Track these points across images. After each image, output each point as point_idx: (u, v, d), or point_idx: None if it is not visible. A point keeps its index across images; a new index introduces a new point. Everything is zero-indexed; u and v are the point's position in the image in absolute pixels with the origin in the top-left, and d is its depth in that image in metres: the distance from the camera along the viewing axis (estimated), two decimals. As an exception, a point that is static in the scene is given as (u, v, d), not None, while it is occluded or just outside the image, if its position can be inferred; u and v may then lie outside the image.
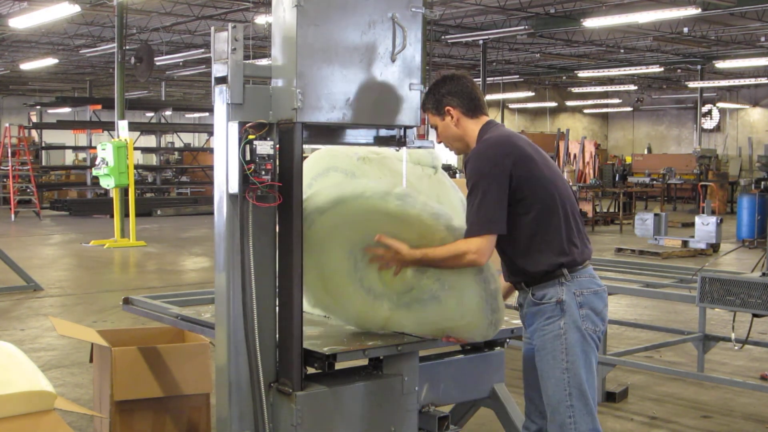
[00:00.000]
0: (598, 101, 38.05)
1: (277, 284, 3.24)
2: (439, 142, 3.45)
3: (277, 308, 3.24)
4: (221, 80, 3.17)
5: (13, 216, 21.21)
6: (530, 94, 35.35)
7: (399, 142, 3.43)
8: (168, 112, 29.42)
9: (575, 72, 30.16)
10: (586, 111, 40.28)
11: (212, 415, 4.32)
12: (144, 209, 21.79)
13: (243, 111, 3.16)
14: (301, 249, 3.19)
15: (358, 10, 3.21)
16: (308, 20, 3.09)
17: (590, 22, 18.30)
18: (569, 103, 38.80)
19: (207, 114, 34.68)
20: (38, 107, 28.82)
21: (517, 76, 32.63)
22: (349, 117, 3.23)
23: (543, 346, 3.20)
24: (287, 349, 3.17)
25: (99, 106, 25.43)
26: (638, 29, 21.29)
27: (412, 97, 3.36)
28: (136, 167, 23.81)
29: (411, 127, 3.41)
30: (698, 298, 5.55)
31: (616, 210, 20.27)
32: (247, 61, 3.19)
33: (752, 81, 30.52)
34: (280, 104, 3.17)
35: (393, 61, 3.30)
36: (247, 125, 3.10)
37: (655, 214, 14.75)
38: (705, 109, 32.68)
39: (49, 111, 30.89)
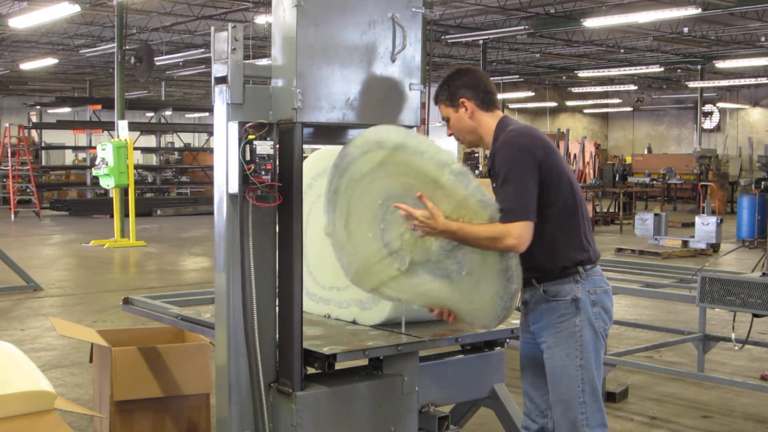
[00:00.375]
0: (598, 101, 38.05)
1: (277, 284, 3.24)
2: (450, 135, 3.41)
3: (277, 308, 3.24)
4: (221, 80, 3.17)
5: (13, 216, 21.21)
6: (530, 94, 35.35)
7: (399, 142, 3.42)
8: (168, 112, 29.42)
9: (575, 72, 30.16)
10: (586, 111, 40.27)
11: (212, 415, 4.32)
12: (144, 209, 21.79)
13: (243, 111, 3.16)
14: (301, 249, 3.19)
15: (358, 10, 3.21)
16: (308, 20, 3.09)
17: (590, 22, 18.30)
18: (569, 103, 38.79)
19: (207, 114, 34.69)
20: (38, 107, 28.83)
21: (517, 76, 32.62)
22: (349, 117, 3.23)
23: (556, 343, 3.18)
24: (287, 349, 3.17)
25: (99, 106, 25.43)
26: (638, 29, 21.29)
27: (412, 97, 3.37)
28: (136, 167, 23.82)
29: (411, 127, 3.41)
30: (698, 298, 5.55)
31: (616, 210, 20.28)
32: (247, 61, 3.19)
33: (752, 81, 30.52)
34: (280, 104, 3.17)
35: (393, 61, 3.30)
36: (247, 125, 3.10)
37: (655, 214, 14.76)
38: (705, 109, 32.67)
39: (49, 111, 30.90)
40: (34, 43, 24.95)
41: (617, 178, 21.33)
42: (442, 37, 22.36)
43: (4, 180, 23.34)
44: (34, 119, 28.45)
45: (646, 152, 32.63)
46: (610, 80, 32.51)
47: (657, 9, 16.92)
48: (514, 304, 3.16)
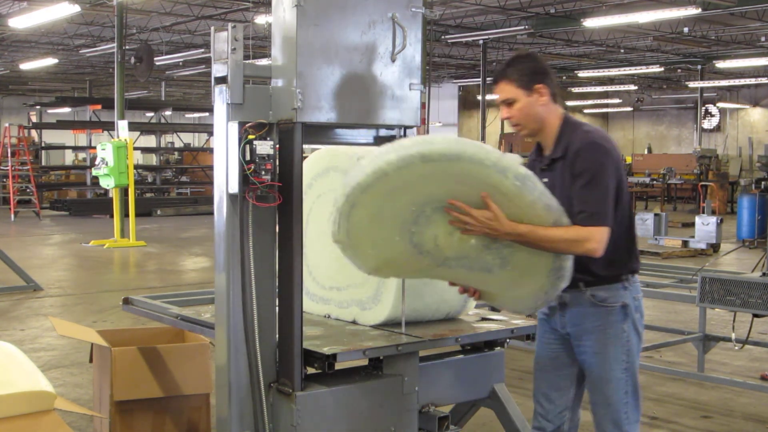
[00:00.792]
0: (598, 101, 38.05)
1: (277, 284, 3.24)
2: (507, 118, 3.21)
3: (277, 308, 3.24)
4: (221, 80, 3.17)
5: (12, 216, 21.21)
6: (530, 94, 35.30)
7: (399, 142, 3.41)
8: (168, 112, 29.43)
9: (575, 72, 30.16)
10: (586, 111, 40.27)
11: (212, 415, 4.32)
12: (144, 209, 21.79)
13: (243, 111, 3.16)
14: (301, 249, 3.19)
15: (358, 10, 3.21)
16: (308, 20, 3.09)
17: (590, 22, 18.30)
18: (569, 103, 38.75)
19: (207, 114, 34.68)
20: (38, 107, 28.84)
21: (517, 76, 32.56)
22: (349, 117, 3.24)
23: (603, 348, 3.21)
24: (287, 349, 3.17)
25: (99, 106, 25.44)
26: (638, 29, 21.28)
27: (412, 97, 3.36)
28: (136, 167, 23.81)
29: (411, 127, 3.41)
30: (698, 298, 5.55)
31: (617, 210, 20.24)
32: (247, 61, 3.19)
33: (752, 81, 30.51)
34: (280, 104, 3.17)
35: (393, 61, 3.30)
36: (247, 125, 3.10)
37: (655, 214, 14.76)
38: (705, 109, 32.68)
39: (49, 111, 30.90)
40: (34, 43, 24.95)
41: (617, 178, 21.25)
42: (442, 37, 22.36)
43: (4, 180, 23.34)
44: (34, 119, 28.46)
45: (646, 152, 32.63)
46: (610, 80, 32.51)
47: (657, 9, 16.92)
48: (551, 298, 3.16)
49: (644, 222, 14.52)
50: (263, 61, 7.40)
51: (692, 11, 16.81)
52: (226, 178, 3.14)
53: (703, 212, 15.22)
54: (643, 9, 17.12)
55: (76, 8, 15.93)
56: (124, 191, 15.33)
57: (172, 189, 27.02)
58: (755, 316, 5.53)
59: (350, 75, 3.21)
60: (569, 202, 3.04)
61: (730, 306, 5.44)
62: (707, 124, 34.30)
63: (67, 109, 31.41)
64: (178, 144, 28.97)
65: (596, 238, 2.97)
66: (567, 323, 3.28)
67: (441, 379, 3.64)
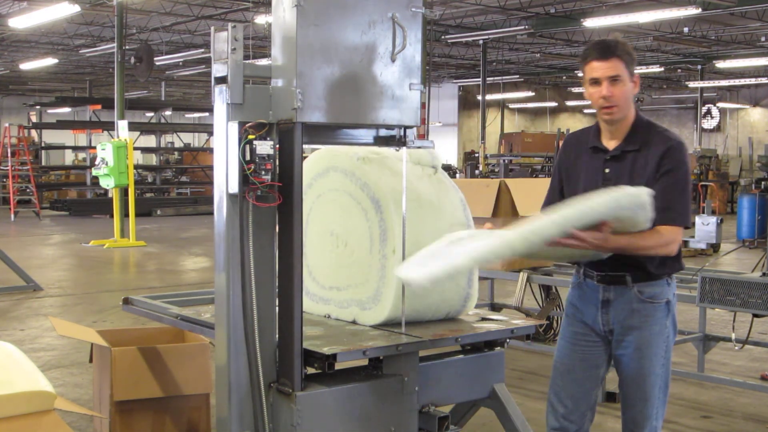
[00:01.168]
0: (598, 101, 37.98)
1: (277, 284, 3.24)
2: (607, 96, 3.17)
3: (277, 308, 3.24)
4: (221, 80, 3.17)
5: (12, 216, 21.21)
6: (530, 94, 35.36)
7: (399, 142, 3.42)
8: (168, 112, 29.43)
9: (575, 72, 30.15)
10: (586, 111, 40.25)
11: (212, 415, 4.32)
12: (144, 209, 21.80)
13: (243, 111, 3.15)
14: (301, 249, 3.19)
15: (358, 10, 3.21)
16: (308, 20, 3.09)
17: (590, 22, 18.30)
18: (569, 103, 38.79)
19: (207, 114, 34.70)
20: (38, 107, 28.86)
21: (517, 76, 32.64)
22: (349, 117, 3.23)
23: (647, 344, 3.26)
24: (287, 349, 3.17)
25: (99, 106, 25.44)
26: (638, 29, 21.29)
27: (412, 97, 3.36)
28: (136, 167, 23.82)
29: (411, 127, 3.40)
30: (698, 298, 5.55)
31: (617, 210, 20.25)
32: (247, 61, 3.19)
33: (752, 81, 30.53)
34: (280, 104, 3.17)
35: (393, 61, 3.30)
36: (247, 125, 3.10)
37: (656, 214, 14.73)
38: (705, 109, 32.68)
39: (49, 111, 30.92)
40: (34, 43, 24.96)
41: (617, 178, 21.26)
42: (442, 37, 22.37)
43: (4, 180, 23.35)
44: (34, 119, 28.48)
45: (646, 152, 32.57)
46: (610, 80, 32.46)
47: (657, 9, 16.92)
48: None
49: (644, 222, 14.49)
50: (263, 61, 7.40)
51: (692, 11, 16.82)
52: (226, 178, 3.14)
53: (703, 212, 15.20)
54: (643, 9, 17.13)
55: (76, 8, 15.93)
56: (124, 191, 15.33)
57: (172, 189, 27.03)
58: (755, 316, 5.53)
59: (350, 75, 3.21)
60: None
61: (730, 306, 5.44)
62: (707, 124, 34.30)
63: (67, 109, 31.43)
64: (178, 144, 28.98)
65: (678, 239, 3.13)
66: (610, 320, 3.29)
67: (441, 379, 3.64)
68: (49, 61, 25.04)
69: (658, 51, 25.92)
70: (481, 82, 25.47)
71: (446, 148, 33.60)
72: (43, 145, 27.64)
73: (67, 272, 12.38)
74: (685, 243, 14.54)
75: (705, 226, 14.19)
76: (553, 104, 38.05)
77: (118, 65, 16.37)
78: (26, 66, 25.97)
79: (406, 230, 3.46)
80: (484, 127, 25.66)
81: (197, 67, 26.99)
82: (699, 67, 28.20)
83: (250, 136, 3.07)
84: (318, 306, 3.93)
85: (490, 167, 25.73)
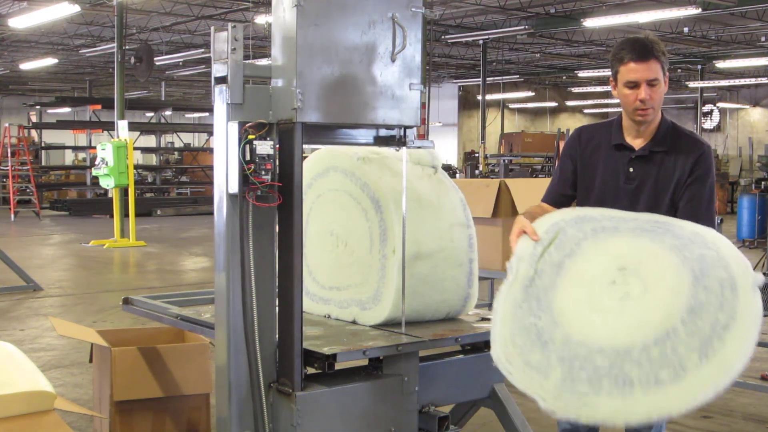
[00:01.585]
0: (598, 101, 38.06)
1: (277, 284, 3.24)
2: (646, 97, 3.08)
3: (277, 308, 3.24)
4: (221, 80, 3.17)
5: (12, 216, 21.21)
6: (530, 94, 35.37)
7: (399, 142, 3.42)
8: (168, 112, 29.44)
9: (575, 72, 30.17)
10: (586, 111, 40.28)
11: (212, 415, 4.32)
12: (144, 209, 21.80)
13: (243, 111, 3.15)
14: (301, 249, 3.19)
15: (358, 10, 3.21)
16: (308, 20, 3.09)
17: (590, 22, 18.31)
18: (569, 103, 38.80)
19: (207, 114, 34.71)
20: (38, 107, 28.87)
21: (517, 76, 32.65)
22: (349, 117, 3.23)
23: None
24: (287, 349, 3.17)
25: (99, 106, 25.45)
26: (638, 29, 21.26)
27: (412, 97, 3.36)
28: (136, 167, 23.83)
29: (411, 127, 3.40)
30: (698, 298, 5.54)
31: (616, 210, 20.24)
32: (247, 61, 3.18)
33: (752, 81, 30.54)
34: (280, 104, 3.16)
35: (393, 61, 3.30)
36: (247, 125, 3.10)
37: (656, 214, 14.73)
38: (705, 109, 32.68)
39: (49, 111, 30.93)
40: (34, 43, 24.96)
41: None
42: (442, 37, 22.38)
43: (4, 180, 23.36)
44: (34, 119, 28.49)
45: (646, 152, 32.58)
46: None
47: (657, 9, 16.93)
48: None
49: (644, 222, 14.50)
50: (263, 61, 7.41)
51: (692, 11, 16.82)
52: (226, 178, 3.14)
53: (703, 212, 15.20)
54: (643, 9, 17.13)
55: (76, 8, 15.94)
56: (124, 191, 15.33)
57: (172, 189, 27.03)
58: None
59: (350, 75, 3.20)
60: (666, 194, 3.13)
61: (730, 306, 5.43)
62: (707, 124, 34.30)
63: (67, 109, 31.43)
64: (178, 144, 28.98)
65: None
66: None
67: (441, 379, 3.63)
68: (49, 61, 25.04)
69: (658, 51, 25.88)
70: (481, 82, 25.47)
71: (446, 148, 33.62)
72: (43, 145, 27.65)
73: (67, 272, 12.38)
74: (685, 243, 14.54)
75: (705, 226, 14.17)
76: (553, 104, 38.06)
77: (118, 65, 16.37)
78: (26, 66, 25.98)
79: (406, 230, 3.46)
80: (484, 127, 25.66)
81: (197, 67, 26.99)
82: (699, 67, 28.21)
83: (250, 136, 3.07)
84: (318, 306, 3.93)
85: (490, 167, 25.74)
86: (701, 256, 2.70)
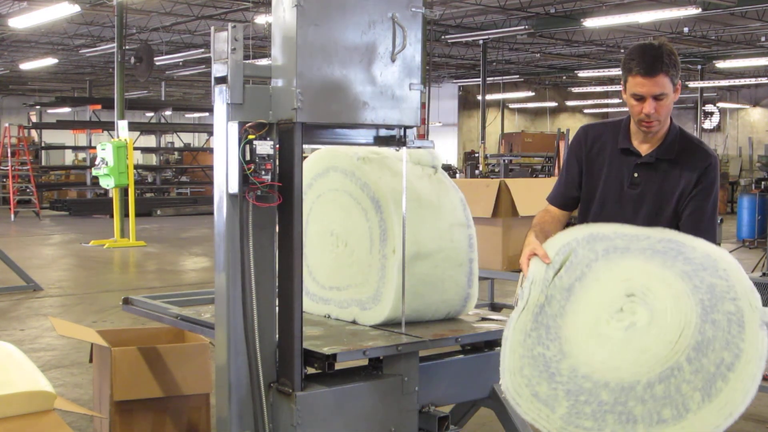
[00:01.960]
0: (598, 101, 38.06)
1: (277, 284, 3.24)
2: (651, 112, 3.03)
3: (277, 308, 3.24)
4: (221, 80, 3.17)
5: (12, 216, 21.21)
6: (530, 94, 35.37)
7: (399, 142, 3.42)
8: (168, 112, 29.44)
9: (575, 72, 30.17)
10: (586, 111, 40.28)
11: (212, 415, 4.32)
12: (144, 209, 21.80)
13: (243, 111, 3.15)
14: (301, 249, 3.19)
15: (358, 9, 3.21)
16: (308, 20, 3.09)
17: (590, 22, 18.31)
18: (569, 103, 38.80)
19: (207, 114, 34.72)
20: (38, 107, 28.88)
21: (517, 76, 32.65)
22: (349, 117, 3.23)
23: None
24: (287, 349, 3.17)
25: (99, 106, 25.45)
26: (638, 29, 21.29)
27: (412, 97, 3.36)
28: (136, 167, 23.83)
29: (411, 127, 3.40)
30: (698, 298, 5.54)
31: (616, 210, 20.23)
32: (247, 61, 3.18)
33: (752, 81, 30.54)
34: (280, 104, 3.16)
35: (393, 61, 3.30)
36: (247, 125, 3.10)
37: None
38: (705, 109, 32.68)
39: (49, 111, 30.93)
40: (34, 43, 24.97)
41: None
42: (442, 37, 22.37)
43: (4, 180, 23.36)
44: (34, 119, 28.49)
45: (646, 152, 32.57)
46: (610, 80, 32.51)
47: (657, 9, 16.93)
48: None
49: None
50: (263, 61, 7.41)
51: (692, 11, 16.82)
52: (226, 178, 3.14)
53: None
54: (643, 9, 17.13)
55: (76, 8, 15.94)
56: (124, 191, 15.33)
57: (172, 189, 27.03)
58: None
59: (350, 75, 3.20)
60: (669, 202, 3.12)
61: (730, 306, 5.43)
62: (707, 124, 34.30)
63: (67, 109, 31.44)
64: (178, 144, 28.98)
65: None
66: None
67: (441, 379, 3.63)
68: (49, 61, 25.04)
69: (658, 51, 25.87)
70: (481, 82, 25.47)
71: (446, 148, 33.62)
72: (43, 145, 27.64)
73: (67, 272, 12.37)
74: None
75: (705, 226, 14.17)
76: (553, 104, 38.06)
77: (118, 65, 16.37)
78: (26, 66, 25.98)
79: (406, 230, 3.46)
80: (484, 127, 25.66)
81: (197, 67, 26.99)
82: (699, 67, 28.20)
83: (250, 136, 3.07)
84: (318, 306, 3.93)
85: (490, 167, 25.73)
86: (711, 286, 2.68)
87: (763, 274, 5.44)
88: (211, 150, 22.90)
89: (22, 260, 11.21)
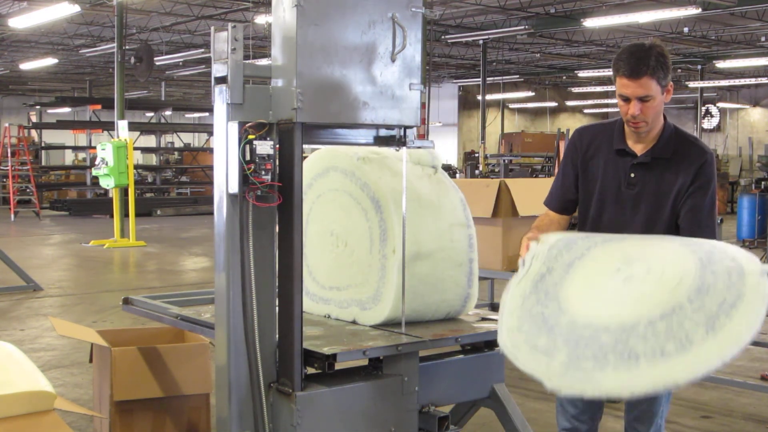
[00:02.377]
0: (598, 101, 38.05)
1: (277, 284, 3.24)
2: (636, 113, 3.06)
3: (277, 308, 3.24)
4: (221, 80, 3.17)
5: (12, 216, 21.21)
6: (530, 94, 35.37)
7: (399, 142, 3.41)
8: (168, 112, 29.44)
9: (575, 72, 30.17)
10: (586, 111, 40.27)
11: (212, 415, 4.32)
12: (144, 209, 21.80)
13: (243, 111, 3.15)
14: (301, 249, 3.19)
15: (358, 9, 3.21)
16: (308, 20, 3.09)
17: (590, 22, 18.31)
18: (569, 103, 38.80)
19: (207, 114, 34.72)
20: (38, 107, 28.89)
21: (517, 76, 32.65)
22: (349, 117, 3.23)
23: None
24: (287, 349, 3.17)
25: (99, 106, 25.45)
26: (638, 29, 21.29)
27: (412, 97, 3.36)
28: (136, 167, 23.83)
29: (411, 127, 3.40)
30: (698, 298, 5.54)
31: (616, 210, 20.23)
32: (247, 61, 3.18)
33: (752, 81, 30.55)
34: (280, 104, 3.16)
35: (393, 61, 3.30)
36: (247, 125, 3.10)
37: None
38: (705, 109, 32.68)
39: (49, 111, 30.94)
40: (34, 43, 24.96)
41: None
42: (442, 37, 22.37)
43: (4, 180, 23.37)
44: (34, 119, 28.49)
45: (646, 152, 32.56)
46: (610, 80, 32.26)
47: (657, 9, 16.93)
48: None
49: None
50: (263, 61, 7.41)
51: (692, 11, 16.82)
52: (226, 178, 3.14)
53: (703, 212, 15.20)
54: (643, 9, 17.13)
55: (76, 8, 15.94)
56: (124, 191, 15.33)
57: (172, 189, 27.03)
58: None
59: (350, 75, 3.20)
60: (667, 200, 3.12)
61: (730, 306, 5.43)
62: (707, 124, 34.30)
63: (67, 109, 31.44)
64: (178, 144, 28.98)
65: None
66: None
67: (441, 379, 3.63)
68: (49, 61, 25.04)
69: (658, 51, 25.88)
70: (481, 82, 25.47)
71: (446, 148, 33.62)
72: (43, 145, 27.64)
73: (67, 272, 12.38)
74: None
75: (705, 226, 14.17)
76: (553, 104, 38.06)
77: (118, 65, 16.37)
78: (26, 66, 25.97)
79: (406, 230, 3.46)
80: (484, 127, 25.66)
81: (197, 67, 26.99)
82: (699, 67, 28.20)
83: (250, 136, 3.07)
84: (318, 306, 3.93)
85: (490, 167, 25.74)
86: (709, 251, 2.72)
87: (763, 274, 5.44)
88: (211, 150, 22.90)
89: (22, 260, 11.21)
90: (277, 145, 3.15)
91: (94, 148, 18.90)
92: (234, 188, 3.10)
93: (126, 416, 4.30)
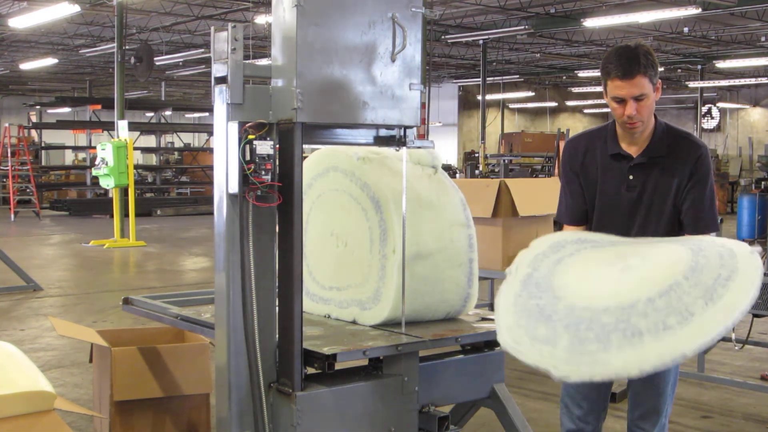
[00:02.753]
0: (598, 101, 38.03)
1: (277, 284, 3.24)
2: (633, 113, 3.10)
3: (277, 308, 3.24)
4: (221, 80, 3.17)
5: (12, 216, 21.21)
6: (530, 94, 35.37)
7: (399, 142, 3.41)
8: (168, 112, 29.43)
9: (575, 72, 30.17)
10: (586, 111, 40.27)
11: (212, 415, 4.32)
12: (144, 209, 21.80)
13: (243, 111, 3.15)
14: (301, 249, 3.19)
15: (358, 10, 3.21)
16: (308, 20, 3.09)
17: (590, 22, 18.31)
18: (569, 103, 38.80)
19: (207, 114, 34.72)
20: (38, 107, 28.89)
21: (517, 76, 32.65)
22: (349, 117, 3.23)
23: None
24: (287, 349, 3.17)
25: (99, 106, 25.45)
26: (638, 29, 21.29)
27: (412, 97, 3.36)
28: (136, 167, 23.83)
29: (411, 127, 3.40)
30: (698, 298, 5.54)
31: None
32: (247, 61, 3.18)
33: (752, 81, 30.54)
34: (280, 104, 3.16)
35: (393, 61, 3.30)
36: (247, 125, 3.10)
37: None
38: (705, 109, 32.68)
39: (49, 111, 30.93)
40: (34, 43, 24.97)
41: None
42: (442, 37, 22.37)
43: (4, 180, 23.36)
44: (34, 119, 28.49)
45: (646, 152, 32.56)
46: (611, 80, 32.48)
47: (657, 9, 16.93)
48: None
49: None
50: (263, 61, 7.41)
51: (692, 11, 16.82)
52: (226, 178, 3.14)
53: (703, 212, 15.19)
54: (643, 9, 17.13)
55: (76, 8, 15.94)
56: (124, 191, 15.33)
57: (172, 189, 27.03)
58: (755, 316, 5.53)
59: (350, 75, 3.20)
60: (667, 199, 3.15)
61: (730, 306, 5.43)
62: (707, 124, 34.30)
63: (67, 109, 31.42)
64: (178, 144, 28.97)
65: None
66: None
67: (441, 379, 3.63)
68: (49, 61, 25.04)
69: (658, 51, 25.88)
70: (481, 82, 25.48)
71: (446, 148, 33.62)
72: (43, 145, 27.64)
73: (67, 272, 12.38)
74: (685, 243, 14.53)
75: (705, 226, 14.17)
76: (553, 104, 38.06)
77: (118, 65, 16.37)
78: (26, 66, 25.97)
79: (406, 230, 3.46)
80: (484, 127, 25.66)
81: (197, 67, 26.99)
82: (699, 67, 28.20)
83: (250, 136, 3.07)
84: (318, 306, 3.93)
85: (490, 167, 25.73)
86: (698, 242, 2.83)
87: (764, 274, 5.44)
88: (211, 150, 22.90)
89: (22, 260, 11.21)
90: (277, 145, 3.15)
91: (94, 148, 18.89)
92: (234, 188, 3.10)
93: (126, 416, 4.30)
